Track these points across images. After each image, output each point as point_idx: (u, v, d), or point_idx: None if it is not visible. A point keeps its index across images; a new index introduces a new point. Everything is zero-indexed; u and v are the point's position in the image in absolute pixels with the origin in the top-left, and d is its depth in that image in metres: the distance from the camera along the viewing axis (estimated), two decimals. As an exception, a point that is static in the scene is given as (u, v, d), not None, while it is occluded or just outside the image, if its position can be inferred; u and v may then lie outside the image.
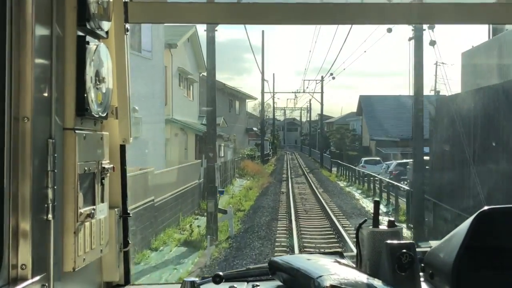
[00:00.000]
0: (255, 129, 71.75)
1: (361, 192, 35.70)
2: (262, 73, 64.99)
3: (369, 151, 60.77)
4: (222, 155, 39.54)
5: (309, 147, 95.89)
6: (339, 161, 55.27)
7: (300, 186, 39.06)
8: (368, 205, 28.29)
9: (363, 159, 50.70)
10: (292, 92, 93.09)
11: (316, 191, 33.80)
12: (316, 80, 75.92)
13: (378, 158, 50.50)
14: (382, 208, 26.44)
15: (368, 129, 63.03)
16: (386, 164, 44.40)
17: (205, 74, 35.63)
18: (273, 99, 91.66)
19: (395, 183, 29.60)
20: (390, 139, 56.09)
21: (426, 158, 27.93)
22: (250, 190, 34.30)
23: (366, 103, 66.98)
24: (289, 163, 69.25)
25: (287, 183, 40.18)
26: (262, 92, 67.17)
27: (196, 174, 27.92)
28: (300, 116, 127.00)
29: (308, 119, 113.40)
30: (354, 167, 45.38)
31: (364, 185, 37.97)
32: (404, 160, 39.09)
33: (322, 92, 71.11)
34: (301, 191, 34.79)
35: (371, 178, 36.35)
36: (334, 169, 55.70)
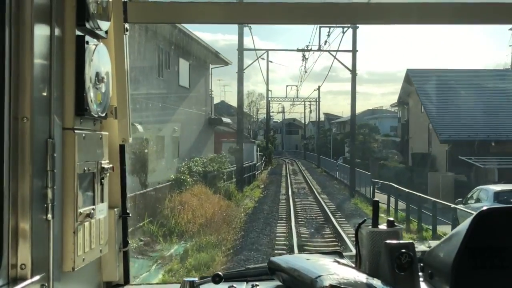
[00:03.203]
0: (228, 121, 39.84)
1: None
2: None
3: (429, 160, 36.18)
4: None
5: (317, 155, 67.82)
6: (392, 184, 26.43)
7: None
8: None
9: (494, 189, 22.22)
10: (298, 50, 43.76)
11: None
12: (343, 27, 35.82)
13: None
14: None
15: (433, 125, 36.38)
16: None
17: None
18: (267, 69, 57.97)
19: None
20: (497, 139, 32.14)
21: None
22: None
23: (422, 82, 39.39)
24: (291, 183, 39.83)
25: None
26: (240, 44, 33.76)
27: None
28: (304, 112, 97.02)
29: (311, 120, 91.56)
30: (461, 209, 19.52)
31: None
32: None
33: (354, 50, 35.56)
34: None
35: None
36: (374, 194, 28.22)
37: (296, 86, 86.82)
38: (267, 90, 64.93)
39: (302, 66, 73.28)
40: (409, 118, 44.54)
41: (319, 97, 75.45)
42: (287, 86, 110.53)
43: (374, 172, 33.86)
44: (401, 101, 46.50)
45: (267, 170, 53.28)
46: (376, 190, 29.08)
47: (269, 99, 70.66)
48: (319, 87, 76.78)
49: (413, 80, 40.76)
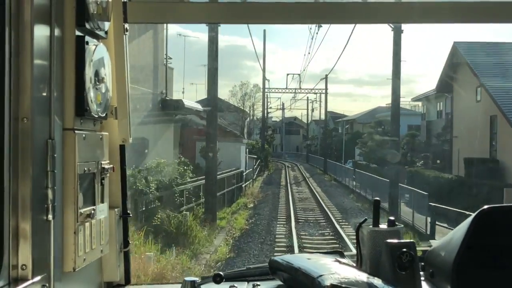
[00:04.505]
0: (196, 107, 26.15)
1: None
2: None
3: (498, 169, 25.87)
4: None
5: (323, 158, 57.49)
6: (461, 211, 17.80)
7: None
8: None
9: None
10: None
11: None
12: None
13: None
14: None
15: (510, 118, 25.26)
16: None
17: None
18: (264, 47, 53.30)
19: None
20: None
21: None
22: None
23: (482, 58, 28.39)
24: (294, 200, 29.63)
25: None
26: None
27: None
28: (307, 108, 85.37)
29: (314, 119, 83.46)
30: None
31: None
32: None
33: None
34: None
35: None
36: (434, 229, 18.67)
37: (299, 74, 67.83)
38: (264, 78, 56.97)
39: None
40: (453, 110, 33.13)
41: (326, 87, 61.16)
42: (287, 74, 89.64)
43: (394, 179, 23.94)
44: (438, 90, 34.49)
45: (262, 177, 43.72)
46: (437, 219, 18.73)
47: (267, 90, 61.48)
48: (326, 76, 62.61)
49: (466, 56, 28.66)
